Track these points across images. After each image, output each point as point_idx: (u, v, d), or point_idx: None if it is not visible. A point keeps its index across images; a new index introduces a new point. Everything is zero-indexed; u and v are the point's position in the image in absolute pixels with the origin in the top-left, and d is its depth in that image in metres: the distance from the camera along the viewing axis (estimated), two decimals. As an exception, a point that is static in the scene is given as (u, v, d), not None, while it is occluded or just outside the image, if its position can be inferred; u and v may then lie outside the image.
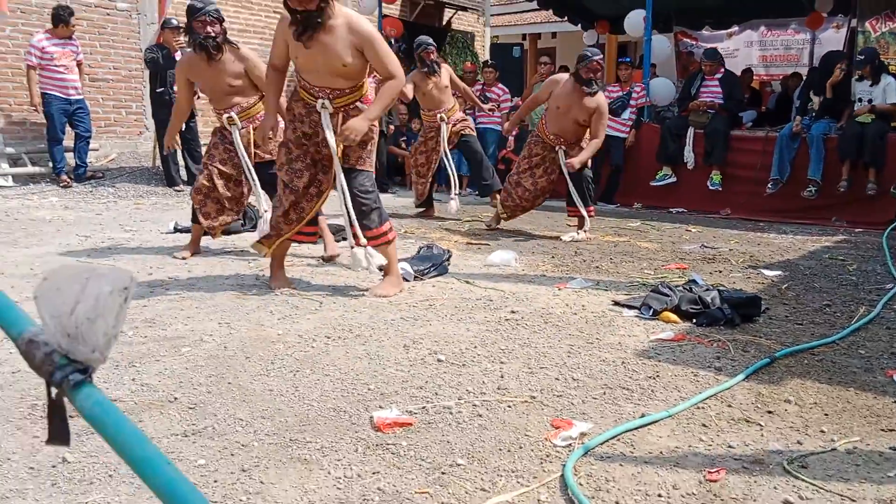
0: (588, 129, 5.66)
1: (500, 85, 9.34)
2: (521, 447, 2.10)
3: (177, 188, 7.97)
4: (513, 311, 3.55)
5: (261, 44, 9.88)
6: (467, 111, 9.15)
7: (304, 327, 3.21)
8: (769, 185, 7.17)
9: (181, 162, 8.16)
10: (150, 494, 0.77)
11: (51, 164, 7.95)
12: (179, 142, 4.72)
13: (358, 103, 3.70)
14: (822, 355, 2.98)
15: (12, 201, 6.90)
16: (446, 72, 6.65)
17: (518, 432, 2.20)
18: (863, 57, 7.07)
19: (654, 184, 7.97)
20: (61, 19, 7.61)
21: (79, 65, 7.90)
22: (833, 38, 10.91)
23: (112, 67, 9.14)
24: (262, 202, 4.53)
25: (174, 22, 7.75)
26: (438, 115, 6.53)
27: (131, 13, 9.27)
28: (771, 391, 2.57)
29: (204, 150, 4.67)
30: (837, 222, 6.78)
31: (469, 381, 2.60)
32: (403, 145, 9.34)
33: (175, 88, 4.44)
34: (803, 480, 1.92)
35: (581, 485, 1.88)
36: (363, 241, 3.76)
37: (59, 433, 0.82)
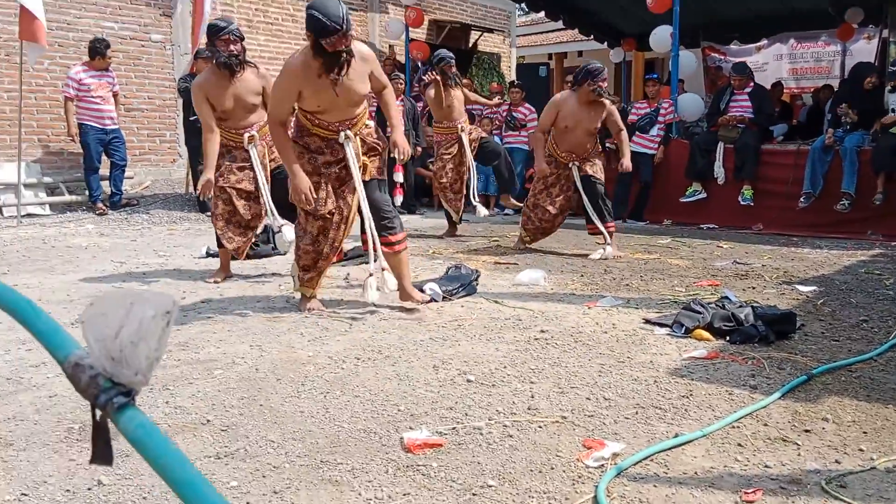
0: (596, 137, 5.80)
1: (526, 105, 9.37)
2: (552, 468, 2.08)
3: (209, 214, 8.08)
4: (542, 331, 3.54)
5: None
6: (494, 132, 9.21)
7: (334, 349, 3.23)
8: (801, 199, 7.06)
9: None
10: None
11: (87, 193, 8.15)
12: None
13: (367, 122, 3.83)
14: (859, 372, 2.91)
15: (49, 229, 7.07)
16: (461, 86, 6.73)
17: (549, 453, 2.18)
18: (895, 69, 6.96)
19: (684, 200, 7.90)
20: (98, 52, 7.84)
21: (115, 95, 8.12)
22: (864, 49, 10.79)
23: (147, 97, 9.37)
24: (276, 219, 4.59)
25: (207, 52, 7.91)
26: (459, 126, 6.59)
27: (165, 44, 9.51)
28: (808, 409, 2.52)
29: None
30: (873, 236, 6.65)
31: (499, 402, 2.59)
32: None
33: (198, 110, 4.43)
34: (842, 500, 1.88)
35: (614, 506, 1.86)
36: (384, 263, 3.84)
37: (102, 454, 0.85)
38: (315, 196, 3.71)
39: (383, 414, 2.48)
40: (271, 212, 4.59)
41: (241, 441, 2.26)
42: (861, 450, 2.19)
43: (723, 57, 12.00)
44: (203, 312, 3.89)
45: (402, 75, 9.43)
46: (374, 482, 1.99)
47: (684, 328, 3.47)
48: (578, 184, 5.75)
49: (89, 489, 1.95)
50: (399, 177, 8.27)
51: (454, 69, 6.60)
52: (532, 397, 2.64)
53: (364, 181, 3.80)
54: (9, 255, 5.58)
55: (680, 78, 8.63)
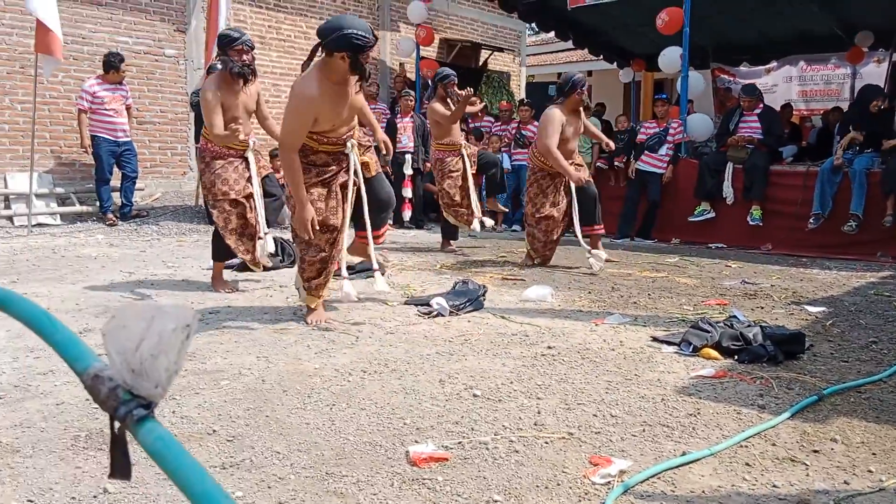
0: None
1: (535, 123, 9.37)
2: (558, 484, 2.07)
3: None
4: (549, 347, 3.53)
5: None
6: (502, 149, 9.24)
7: (341, 361, 3.23)
8: (811, 220, 7.04)
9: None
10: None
11: (98, 204, 8.21)
12: None
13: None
14: (868, 393, 2.89)
15: (60, 239, 7.11)
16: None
17: (555, 469, 2.17)
18: (904, 91, 6.97)
19: (693, 219, 7.90)
20: (112, 65, 7.93)
21: (128, 109, 8.21)
22: (874, 72, 10.81)
23: (159, 111, 9.45)
24: (263, 227, 4.66)
25: (220, 67, 7.99)
26: (461, 142, 6.73)
27: (178, 59, 9.60)
28: (816, 430, 2.50)
29: (217, 181, 4.53)
30: (882, 257, 6.62)
31: (505, 417, 2.58)
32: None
33: (208, 112, 4.43)
34: (852, 522, 1.86)
35: (620, 523, 1.84)
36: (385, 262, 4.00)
37: (121, 467, 0.85)
38: (324, 208, 3.79)
39: (389, 427, 2.47)
40: (262, 220, 4.65)
41: (247, 452, 2.26)
42: (870, 471, 2.17)
43: (732, 78, 12.03)
44: (210, 323, 3.90)
45: (413, 93, 9.49)
46: (379, 495, 1.99)
47: (692, 347, 3.45)
48: (572, 187, 5.85)
49: (95, 497, 1.95)
50: (408, 192, 8.36)
51: (456, 87, 6.69)
52: (538, 413, 2.63)
53: (372, 177, 3.99)
54: (19, 265, 5.62)
55: (689, 98, 8.65)
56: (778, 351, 3.32)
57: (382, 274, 4.39)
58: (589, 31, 11.72)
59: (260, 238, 4.63)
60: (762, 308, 4.52)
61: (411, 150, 8.67)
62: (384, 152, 4.33)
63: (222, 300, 4.52)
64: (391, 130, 9.05)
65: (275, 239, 5.77)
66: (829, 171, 7.05)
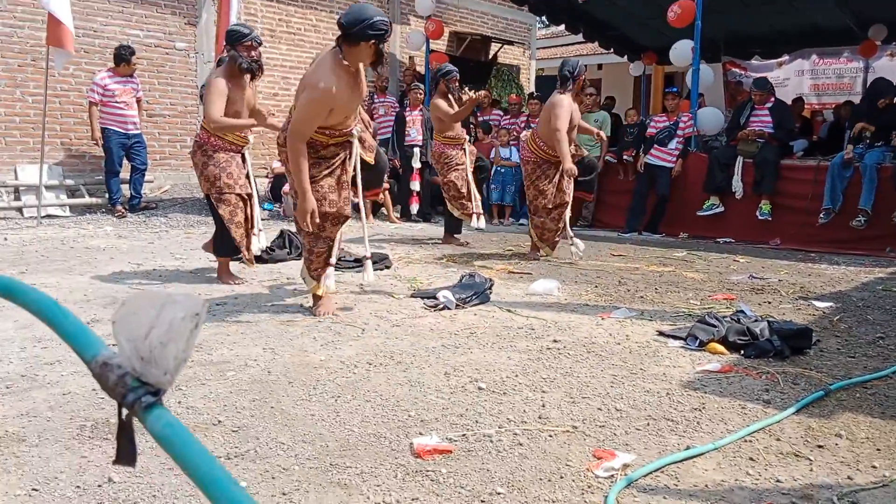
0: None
1: (544, 116, 9.36)
2: (562, 477, 2.07)
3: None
4: (555, 341, 3.53)
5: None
6: (511, 142, 9.22)
7: (347, 353, 3.24)
8: (821, 215, 7.00)
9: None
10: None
11: (107, 196, 8.26)
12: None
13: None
14: (874, 389, 2.88)
15: (69, 230, 7.16)
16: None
17: (559, 462, 2.17)
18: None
19: (701, 213, 7.86)
20: (123, 58, 7.96)
21: (138, 101, 8.24)
22: (887, 66, 10.72)
23: (169, 104, 9.49)
24: (259, 221, 4.79)
25: (227, 56, 8.01)
26: (464, 136, 6.79)
27: (189, 52, 9.63)
28: (821, 425, 2.49)
29: (221, 175, 4.57)
30: (891, 253, 6.57)
31: (510, 410, 2.58)
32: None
33: (212, 106, 4.45)
34: (855, 517, 1.85)
35: (622, 516, 1.84)
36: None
37: (126, 454, 0.86)
38: (337, 199, 3.84)
39: (394, 419, 2.48)
40: (259, 217, 4.79)
41: (252, 442, 2.27)
42: (874, 466, 2.16)
43: (743, 72, 11.96)
44: (217, 315, 3.92)
45: (422, 86, 9.48)
46: (383, 486, 2.00)
47: (698, 341, 3.44)
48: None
49: (100, 486, 1.96)
50: (416, 185, 8.36)
51: (457, 82, 6.75)
52: (543, 406, 2.63)
53: (369, 154, 4.04)
54: (28, 256, 5.66)
55: (700, 92, 8.60)
56: (785, 346, 3.31)
57: (373, 263, 4.48)
58: (599, 24, 11.67)
59: (254, 234, 4.74)
60: (769, 303, 4.50)
61: (420, 143, 8.66)
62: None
63: (229, 292, 4.54)
64: (400, 123, 9.06)
65: (282, 231, 5.81)
66: (840, 166, 7.01)
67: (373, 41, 3.56)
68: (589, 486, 2.02)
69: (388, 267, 5.46)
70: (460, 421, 2.48)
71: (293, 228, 5.06)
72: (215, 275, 4.89)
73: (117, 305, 0.81)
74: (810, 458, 2.22)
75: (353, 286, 4.76)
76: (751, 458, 2.22)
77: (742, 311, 3.84)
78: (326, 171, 3.79)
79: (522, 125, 9.55)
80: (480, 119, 9.78)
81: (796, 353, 3.33)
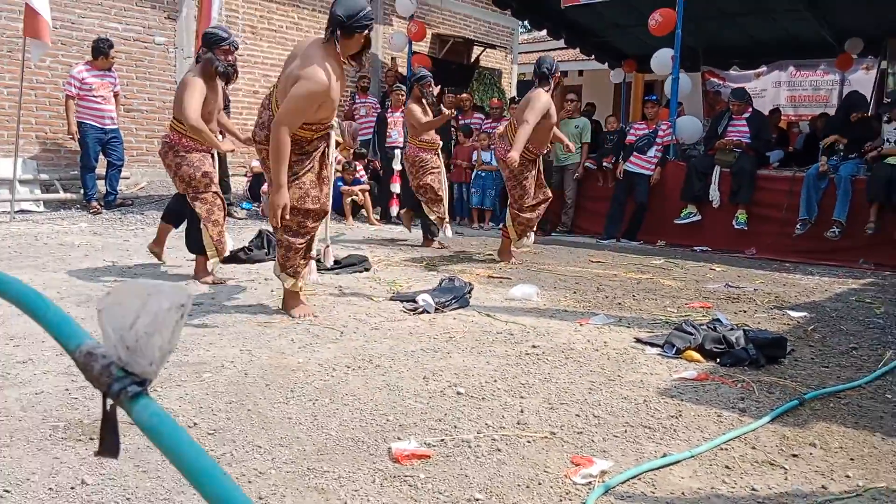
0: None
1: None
2: (540, 483, 2.07)
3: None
4: (534, 346, 3.53)
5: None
6: (491, 146, 9.22)
7: (325, 356, 3.22)
8: (798, 226, 7.08)
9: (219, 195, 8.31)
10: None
11: (82, 191, 8.13)
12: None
13: None
14: (848, 399, 2.92)
15: (43, 226, 7.04)
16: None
17: (537, 468, 2.17)
18: (891, 100, 7.03)
19: (679, 222, 7.93)
20: (101, 51, 7.85)
21: (115, 96, 8.13)
22: (863, 79, 10.90)
23: (147, 98, 9.38)
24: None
25: (204, 59, 7.95)
26: (439, 144, 6.87)
27: (168, 47, 9.53)
28: (796, 434, 2.52)
29: (196, 174, 4.60)
30: (865, 264, 6.68)
31: (488, 415, 2.58)
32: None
33: (190, 108, 4.44)
34: (829, 526, 1.87)
35: (599, 523, 1.85)
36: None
37: (109, 445, 0.86)
38: (319, 195, 3.84)
39: (372, 423, 2.47)
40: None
41: (228, 445, 2.24)
42: (848, 476, 2.19)
43: (722, 82, 12.10)
44: (194, 315, 3.88)
45: (404, 87, 9.45)
46: (361, 491, 1.98)
47: (675, 349, 3.47)
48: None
49: (73, 488, 1.93)
50: (396, 187, 8.34)
51: (431, 87, 6.79)
52: (522, 412, 2.63)
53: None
54: (0, 251, 5.55)
55: (679, 101, 8.68)
56: (760, 355, 3.34)
57: (352, 265, 4.46)
58: (581, 31, 11.74)
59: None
60: (745, 312, 4.55)
61: (401, 144, 8.64)
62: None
63: (206, 291, 4.49)
64: (381, 125, 9.02)
65: (261, 231, 5.77)
66: (815, 177, 7.10)
67: (365, 31, 3.62)
68: (567, 493, 2.03)
69: (367, 269, 5.45)
70: (439, 426, 2.47)
71: (271, 228, 5.02)
72: (192, 273, 4.84)
73: (98, 299, 0.81)
74: (785, 467, 2.24)
75: (332, 288, 4.74)
76: (727, 467, 2.24)
77: (718, 320, 3.89)
78: (308, 167, 3.78)
79: (504, 130, 9.56)
80: (462, 122, 9.78)
81: (771, 362, 3.37)
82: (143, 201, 8.66)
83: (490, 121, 10.08)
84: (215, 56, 4.50)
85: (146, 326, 0.78)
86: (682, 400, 2.84)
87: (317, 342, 3.45)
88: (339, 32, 3.55)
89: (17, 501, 1.86)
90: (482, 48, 13.71)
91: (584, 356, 3.40)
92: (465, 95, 10.31)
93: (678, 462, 2.25)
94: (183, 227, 4.97)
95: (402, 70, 11.43)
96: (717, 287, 5.41)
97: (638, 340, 3.72)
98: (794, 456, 2.33)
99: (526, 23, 13.42)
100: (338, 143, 4.04)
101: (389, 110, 8.99)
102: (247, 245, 5.70)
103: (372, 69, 11.96)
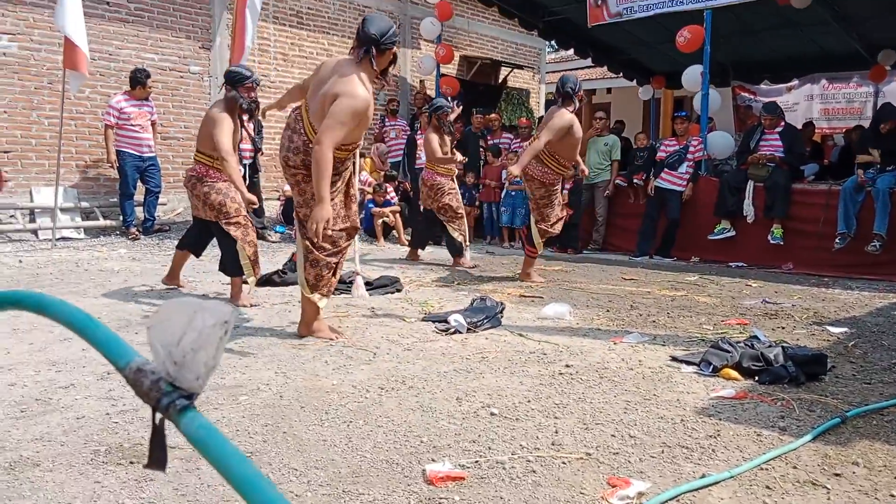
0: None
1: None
2: (575, 505, 2.05)
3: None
4: (567, 365, 3.51)
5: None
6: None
7: (359, 378, 3.24)
8: (837, 240, 6.94)
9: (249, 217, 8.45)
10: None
11: (121, 218, 8.32)
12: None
13: None
14: (891, 416, 2.85)
15: (83, 253, 7.21)
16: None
17: (573, 490, 2.15)
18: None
19: (712, 237, 7.84)
20: (139, 81, 8.07)
21: (153, 124, 8.33)
22: (897, 90, 10.72)
23: (183, 126, 9.58)
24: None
25: (229, 96, 8.12)
26: (455, 172, 7.13)
27: (203, 76, 9.74)
28: (838, 453, 2.46)
29: (226, 200, 4.79)
30: (907, 278, 6.52)
31: (523, 436, 2.57)
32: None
33: (224, 142, 4.62)
34: (875, 548, 1.83)
35: (638, 545, 1.82)
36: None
37: (157, 458, 0.89)
38: (350, 214, 3.95)
39: (406, 445, 2.47)
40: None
41: (265, 468, 2.26)
42: (892, 495, 2.13)
43: (753, 96, 11.99)
44: (230, 338, 3.92)
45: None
46: (396, 513, 1.98)
47: (712, 367, 3.42)
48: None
49: (114, 510, 1.96)
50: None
51: (450, 118, 7.05)
52: (556, 433, 2.61)
53: None
54: (42, 278, 5.70)
55: (710, 116, 8.63)
56: (799, 372, 3.28)
57: (384, 286, 4.48)
58: (608, 49, 11.76)
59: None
60: (783, 328, 4.47)
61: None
62: None
63: (241, 315, 4.55)
64: (411, 147, 9.11)
65: (293, 255, 5.84)
66: (852, 190, 6.98)
67: (393, 48, 3.75)
68: (604, 515, 2.00)
69: (398, 290, 5.47)
70: (473, 447, 2.46)
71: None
72: (228, 297, 4.91)
73: (147, 317, 0.84)
74: (827, 487, 2.19)
75: (364, 309, 4.77)
76: (767, 487, 2.19)
77: (756, 337, 3.82)
78: (338, 187, 3.84)
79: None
80: (491, 142, 9.82)
81: (811, 379, 3.31)
82: (179, 227, 8.81)
83: (519, 140, 10.11)
84: (239, 94, 4.74)
85: (192, 342, 0.81)
86: (720, 419, 2.79)
87: (350, 364, 3.47)
88: (374, 50, 3.65)
89: (61, 524, 1.90)
90: (510, 69, 13.79)
91: (619, 375, 3.37)
92: (493, 116, 10.35)
93: (717, 483, 2.21)
94: (203, 254, 5.18)
95: (431, 93, 11.53)
96: (753, 303, 5.33)
97: (673, 359, 3.68)
98: (837, 475, 2.28)
99: (553, 43, 13.47)
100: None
101: (419, 132, 9.07)
102: (281, 268, 5.77)
103: (401, 92, 12.09)
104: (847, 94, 11.71)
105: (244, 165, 7.96)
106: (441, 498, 2.07)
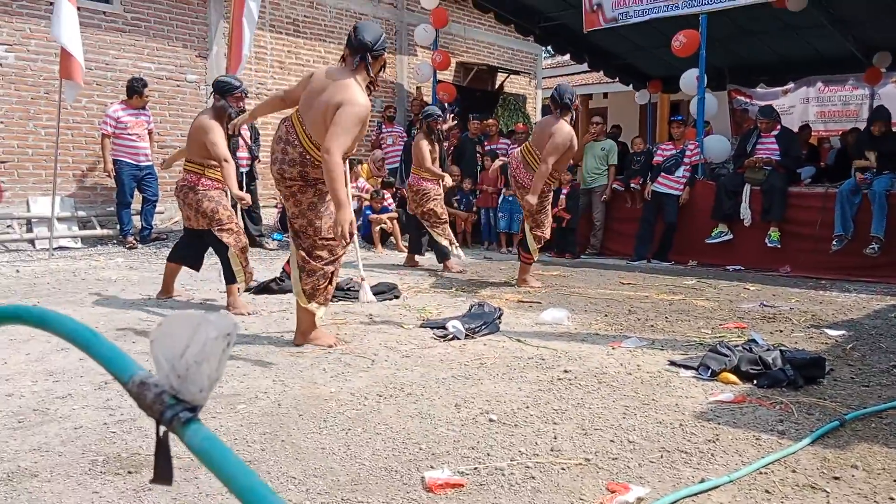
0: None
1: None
2: (574, 511, 2.05)
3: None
4: (565, 371, 3.51)
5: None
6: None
7: (357, 385, 3.23)
8: (834, 242, 6.96)
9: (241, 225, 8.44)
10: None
11: (118, 227, 8.32)
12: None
13: None
14: (890, 419, 2.85)
15: (80, 262, 7.20)
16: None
17: (572, 496, 2.15)
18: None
19: (710, 241, 7.85)
20: (135, 91, 8.08)
21: (150, 133, 8.34)
22: (892, 93, 10.78)
23: (180, 135, 9.57)
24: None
25: (218, 105, 8.14)
26: (442, 177, 7.14)
27: (199, 84, 9.75)
28: (837, 456, 2.46)
29: (218, 208, 4.87)
30: (905, 280, 6.53)
31: (521, 442, 2.57)
32: (456, 205, 9.47)
33: (222, 147, 4.74)
34: (875, 552, 1.82)
35: (637, 551, 1.82)
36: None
37: (163, 472, 0.89)
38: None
39: (405, 452, 2.47)
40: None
41: (263, 477, 2.26)
42: (892, 498, 2.13)
43: (749, 100, 12.02)
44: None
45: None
46: (395, 521, 1.98)
47: (710, 371, 3.42)
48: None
49: (112, 521, 1.96)
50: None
51: (440, 125, 7.16)
52: (555, 438, 2.61)
53: None
54: (39, 288, 5.69)
55: (706, 119, 8.64)
56: (798, 375, 3.28)
57: (381, 293, 4.48)
58: (604, 54, 11.79)
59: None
60: (781, 331, 4.47)
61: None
62: None
63: (238, 323, 4.54)
64: (408, 153, 9.11)
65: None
66: (849, 193, 7.00)
67: (385, 53, 3.81)
68: (603, 521, 2.00)
69: (396, 297, 5.47)
70: (472, 454, 2.46)
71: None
72: (225, 305, 4.90)
73: (150, 330, 0.84)
74: (827, 490, 2.19)
75: (362, 316, 4.77)
76: (767, 491, 2.19)
77: (754, 340, 3.82)
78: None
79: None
80: (488, 148, 9.84)
81: (810, 382, 3.31)
82: (177, 235, 8.79)
83: (515, 145, 10.12)
84: (228, 103, 4.81)
85: (195, 355, 0.81)
86: (718, 423, 2.79)
87: (348, 371, 3.47)
88: (369, 57, 3.71)
89: (59, 535, 1.89)
90: (506, 74, 13.81)
91: (618, 380, 3.37)
92: (490, 121, 10.37)
93: (717, 487, 2.20)
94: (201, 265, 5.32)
95: (428, 99, 11.55)
96: (751, 306, 5.33)
97: (672, 363, 3.68)
98: (836, 478, 2.28)
99: (549, 48, 13.51)
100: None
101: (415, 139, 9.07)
102: (278, 276, 5.77)
103: (398, 99, 12.11)
104: (843, 96, 11.75)
105: (241, 173, 7.97)
106: (440, 505, 2.07)
